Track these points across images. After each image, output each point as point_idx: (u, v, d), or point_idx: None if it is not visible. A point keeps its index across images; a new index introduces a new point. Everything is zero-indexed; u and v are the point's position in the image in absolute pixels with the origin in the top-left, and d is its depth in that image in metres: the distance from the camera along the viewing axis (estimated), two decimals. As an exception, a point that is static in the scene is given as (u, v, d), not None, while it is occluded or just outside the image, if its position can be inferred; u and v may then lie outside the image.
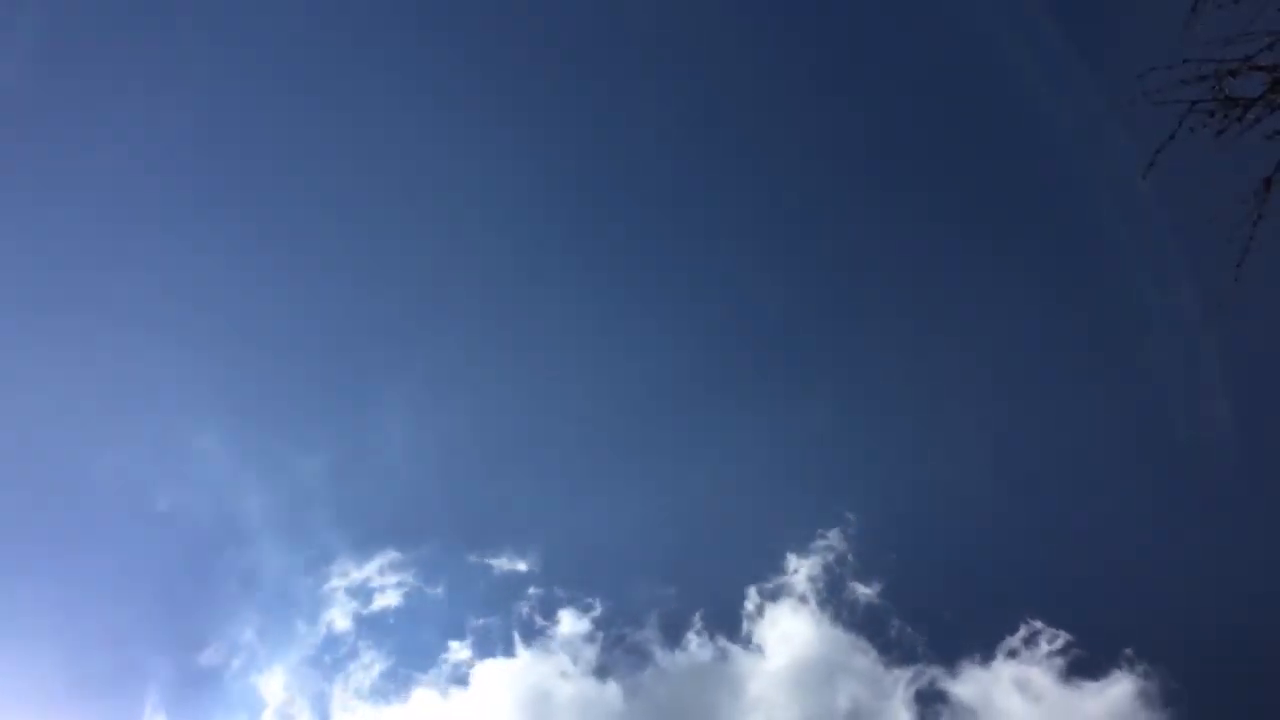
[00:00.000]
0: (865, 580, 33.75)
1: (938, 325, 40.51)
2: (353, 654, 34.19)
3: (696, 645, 33.50)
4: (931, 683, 31.65)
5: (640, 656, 33.26)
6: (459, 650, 34.00)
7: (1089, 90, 34.69)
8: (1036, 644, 31.60)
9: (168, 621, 35.39)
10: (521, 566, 35.42)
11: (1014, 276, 41.07)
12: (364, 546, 36.01)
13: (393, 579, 35.32)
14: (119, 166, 39.17)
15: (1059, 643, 31.39)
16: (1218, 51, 7.94)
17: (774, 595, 34.16)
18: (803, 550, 34.64)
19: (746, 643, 33.75)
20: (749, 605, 34.13)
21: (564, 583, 34.62)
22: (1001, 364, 39.95)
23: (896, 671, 32.01)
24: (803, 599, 33.92)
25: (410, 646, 34.55)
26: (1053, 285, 39.96)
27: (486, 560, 35.86)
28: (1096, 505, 35.78)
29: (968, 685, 31.59)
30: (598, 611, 33.99)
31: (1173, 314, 35.56)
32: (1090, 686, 30.87)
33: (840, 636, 33.17)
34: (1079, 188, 37.70)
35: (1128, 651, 30.52)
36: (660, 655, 33.22)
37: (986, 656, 31.72)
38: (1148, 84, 8.06)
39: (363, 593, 35.27)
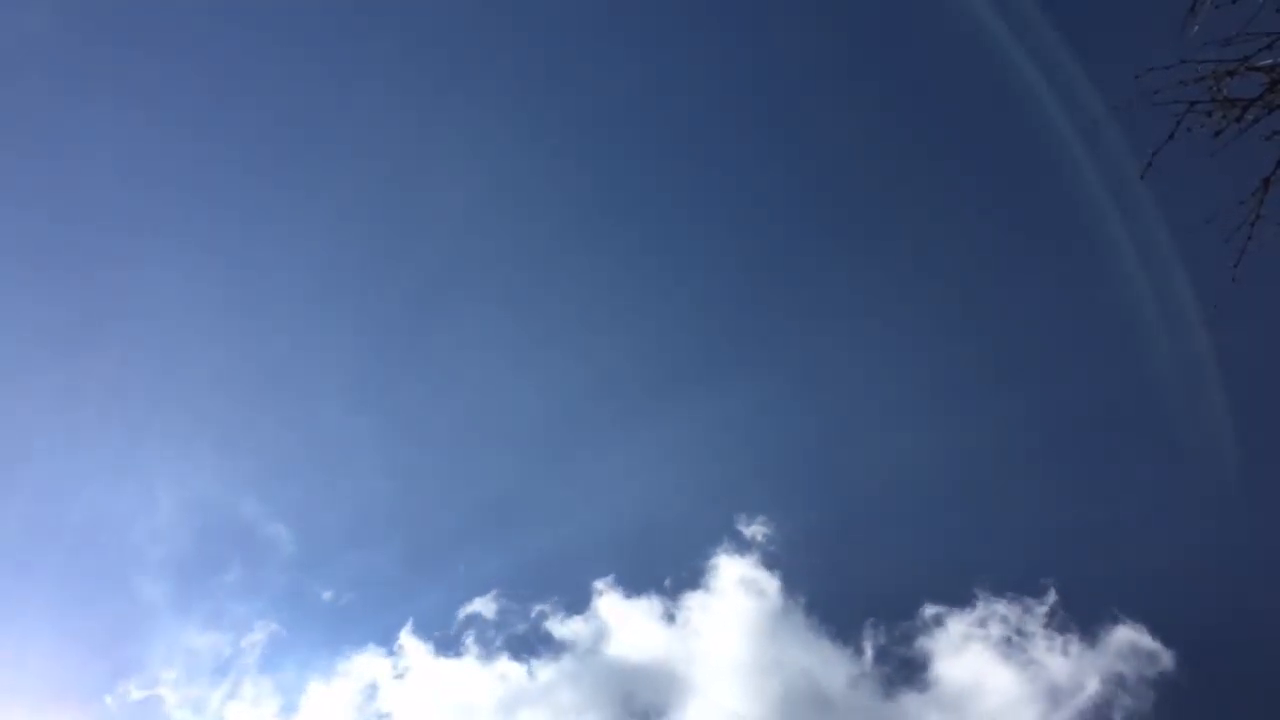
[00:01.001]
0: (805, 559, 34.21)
1: (934, 323, 40.58)
2: (266, 669, 33.63)
3: (636, 619, 33.75)
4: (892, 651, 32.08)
5: (571, 649, 33.42)
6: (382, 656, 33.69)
7: (1087, 91, 34.71)
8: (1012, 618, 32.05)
9: (88, 651, 34.14)
10: (464, 569, 35.43)
11: (1010, 276, 41.15)
12: (290, 556, 35.64)
13: (325, 588, 35.05)
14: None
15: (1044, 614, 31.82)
16: (1216, 52, 7.95)
17: (713, 571, 34.48)
18: (749, 524, 35.00)
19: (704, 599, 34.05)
20: (700, 573, 34.47)
21: (509, 583, 34.70)
22: (997, 364, 40.00)
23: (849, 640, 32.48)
24: (745, 569, 34.32)
25: (329, 655, 34.15)
26: (1050, 285, 40.04)
27: (425, 566, 35.78)
28: (1093, 506, 35.86)
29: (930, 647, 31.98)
30: (519, 606, 33.96)
31: (1170, 315, 35.58)
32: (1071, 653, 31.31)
33: (786, 610, 33.61)
34: (1076, 188, 37.72)
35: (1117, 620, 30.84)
36: (600, 646, 33.46)
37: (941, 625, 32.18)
38: (1146, 85, 8.07)
39: (291, 604, 34.80)
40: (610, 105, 42.11)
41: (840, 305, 41.95)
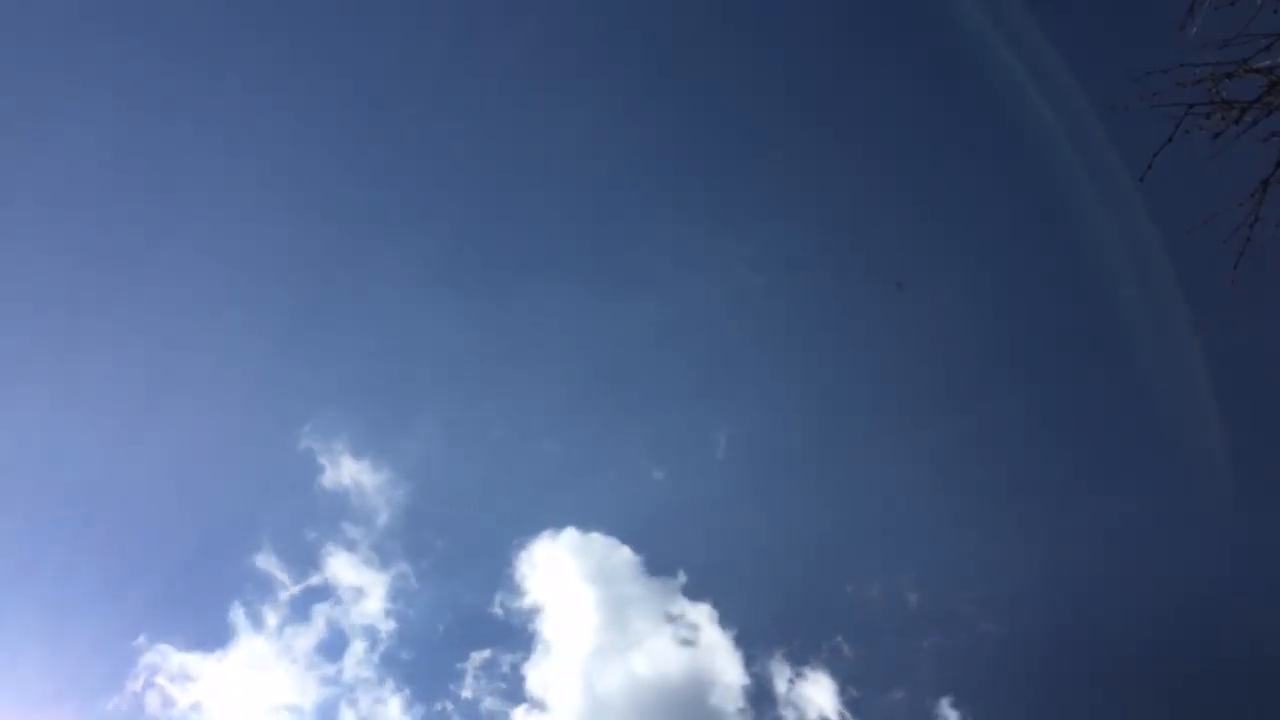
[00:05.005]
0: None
1: (927, 327, 40.50)
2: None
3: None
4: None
5: None
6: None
7: (1086, 93, 34.73)
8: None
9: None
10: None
11: (1007, 278, 41.10)
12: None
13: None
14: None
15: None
16: (1214, 54, 7.95)
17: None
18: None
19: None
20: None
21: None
22: (993, 366, 39.99)
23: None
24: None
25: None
26: (1050, 285, 40.01)
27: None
28: (1090, 511, 35.84)
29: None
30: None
31: (1166, 318, 35.59)
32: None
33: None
34: (1074, 191, 37.73)
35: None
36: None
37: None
38: (1145, 87, 8.07)
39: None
40: (605, 104, 42.10)
41: (836, 306, 41.94)
